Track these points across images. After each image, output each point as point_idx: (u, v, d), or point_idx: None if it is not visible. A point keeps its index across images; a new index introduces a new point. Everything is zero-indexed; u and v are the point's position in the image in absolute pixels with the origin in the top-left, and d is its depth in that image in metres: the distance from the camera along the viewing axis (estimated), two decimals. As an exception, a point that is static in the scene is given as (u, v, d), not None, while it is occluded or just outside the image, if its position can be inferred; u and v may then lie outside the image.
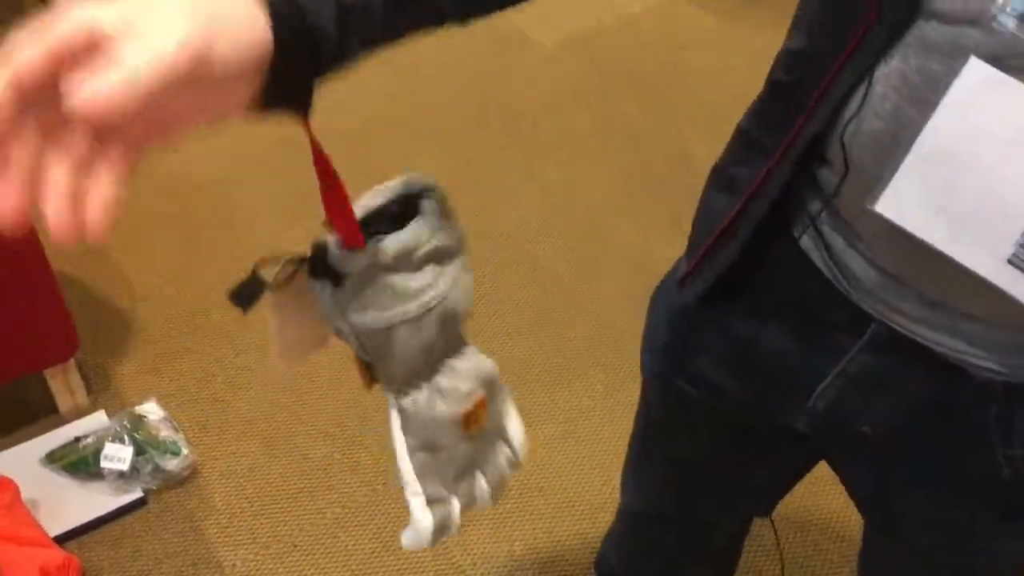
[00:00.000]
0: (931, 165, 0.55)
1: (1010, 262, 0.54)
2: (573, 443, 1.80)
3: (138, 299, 2.00)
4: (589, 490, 1.72)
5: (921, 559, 0.85)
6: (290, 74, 0.43)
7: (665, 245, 2.14)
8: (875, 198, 0.58)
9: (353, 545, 1.61)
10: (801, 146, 0.63)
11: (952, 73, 0.52)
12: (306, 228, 2.42)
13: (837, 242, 0.67)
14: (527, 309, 2.04)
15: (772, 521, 1.18)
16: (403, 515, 0.62)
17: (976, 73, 0.50)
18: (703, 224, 0.76)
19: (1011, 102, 0.50)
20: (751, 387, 0.80)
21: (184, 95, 0.37)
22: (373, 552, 1.60)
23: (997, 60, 0.50)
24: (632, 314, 2.02)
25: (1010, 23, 0.50)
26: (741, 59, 2.75)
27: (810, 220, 0.69)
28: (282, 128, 2.27)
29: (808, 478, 0.97)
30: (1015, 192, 0.52)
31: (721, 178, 0.75)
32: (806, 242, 0.70)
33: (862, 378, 0.71)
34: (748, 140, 0.72)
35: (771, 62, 0.70)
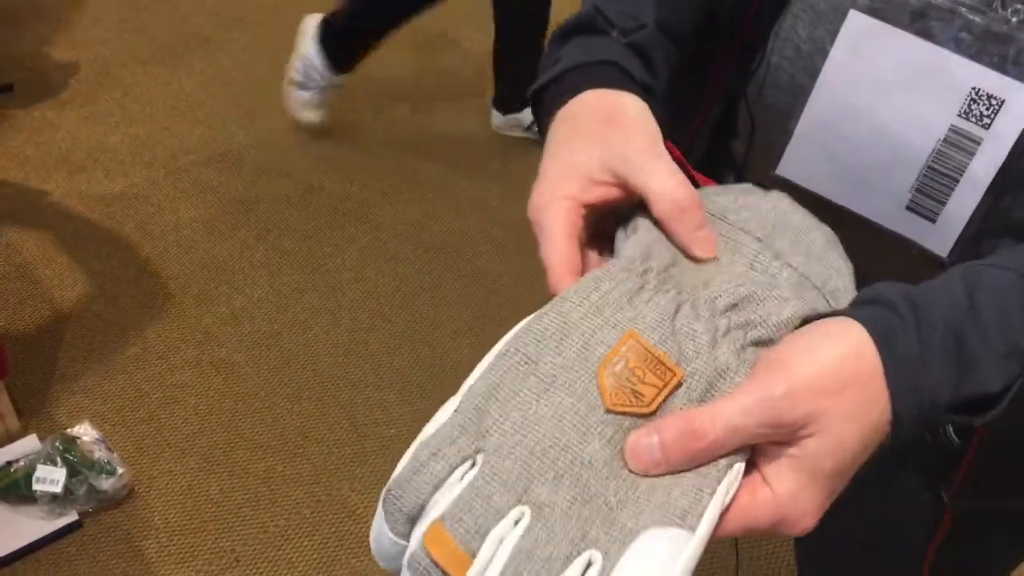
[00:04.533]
0: (825, 122, 0.58)
1: (908, 208, 0.57)
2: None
3: (66, 318, 1.96)
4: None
5: None
6: None
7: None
8: (776, 164, 0.61)
9: (297, 557, 1.59)
10: (712, 117, 0.66)
11: (836, 37, 0.55)
12: (239, 242, 2.35)
13: None
14: (467, 310, 2.06)
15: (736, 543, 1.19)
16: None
17: (855, 23, 0.53)
18: None
19: (890, 47, 0.53)
20: None
21: None
22: (318, 563, 1.58)
23: (874, 12, 0.53)
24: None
25: None
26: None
27: None
28: (213, 144, 2.24)
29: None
30: (905, 137, 0.55)
31: None
32: None
33: None
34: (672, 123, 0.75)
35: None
